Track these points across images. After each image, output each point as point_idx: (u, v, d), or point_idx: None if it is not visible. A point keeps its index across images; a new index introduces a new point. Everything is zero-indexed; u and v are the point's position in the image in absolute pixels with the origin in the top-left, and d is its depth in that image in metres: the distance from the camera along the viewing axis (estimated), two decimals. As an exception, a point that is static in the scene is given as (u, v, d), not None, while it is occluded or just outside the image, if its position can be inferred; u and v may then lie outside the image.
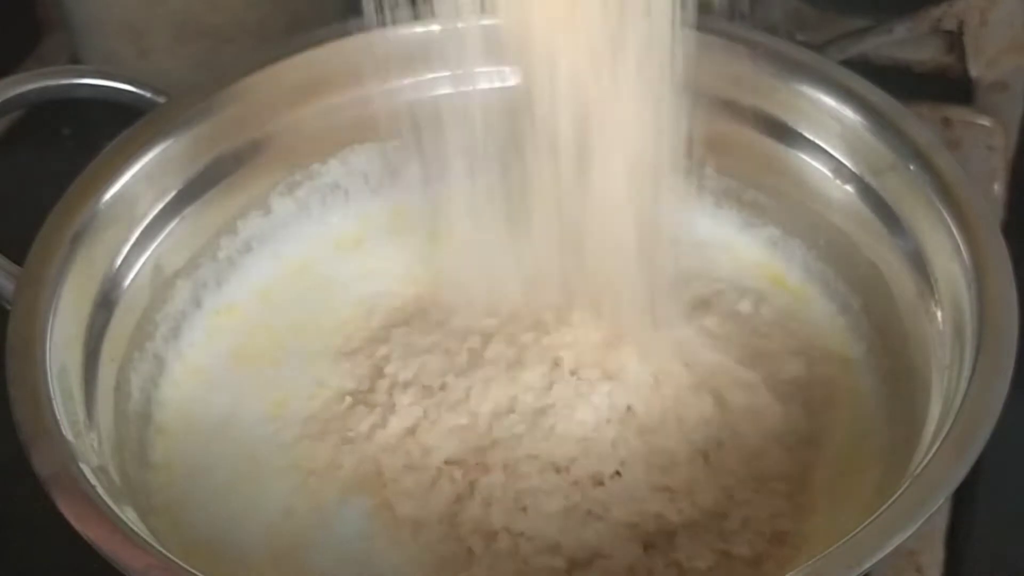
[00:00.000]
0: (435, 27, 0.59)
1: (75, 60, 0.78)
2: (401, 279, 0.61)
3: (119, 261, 0.55)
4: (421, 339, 0.56)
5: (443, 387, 0.54)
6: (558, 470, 0.51)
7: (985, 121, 0.71)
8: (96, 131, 0.59)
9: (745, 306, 0.58)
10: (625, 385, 0.53)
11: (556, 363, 0.54)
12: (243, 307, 0.60)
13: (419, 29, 0.60)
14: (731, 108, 0.60)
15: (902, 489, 0.43)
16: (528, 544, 0.50)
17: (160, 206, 0.57)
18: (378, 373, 0.56)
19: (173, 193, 0.57)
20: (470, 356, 0.55)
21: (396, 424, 0.53)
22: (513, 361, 0.54)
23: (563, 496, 0.50)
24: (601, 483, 0.51)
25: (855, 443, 0.53)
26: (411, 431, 0.53)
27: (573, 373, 0.53)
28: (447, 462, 0.52)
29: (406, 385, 0.54)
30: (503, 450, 0.52)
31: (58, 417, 0.46)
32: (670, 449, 0.52)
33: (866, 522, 0.42)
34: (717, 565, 0.49)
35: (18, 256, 0.52)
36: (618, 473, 0.51)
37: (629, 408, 0.52)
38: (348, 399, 0.55)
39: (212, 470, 0.53)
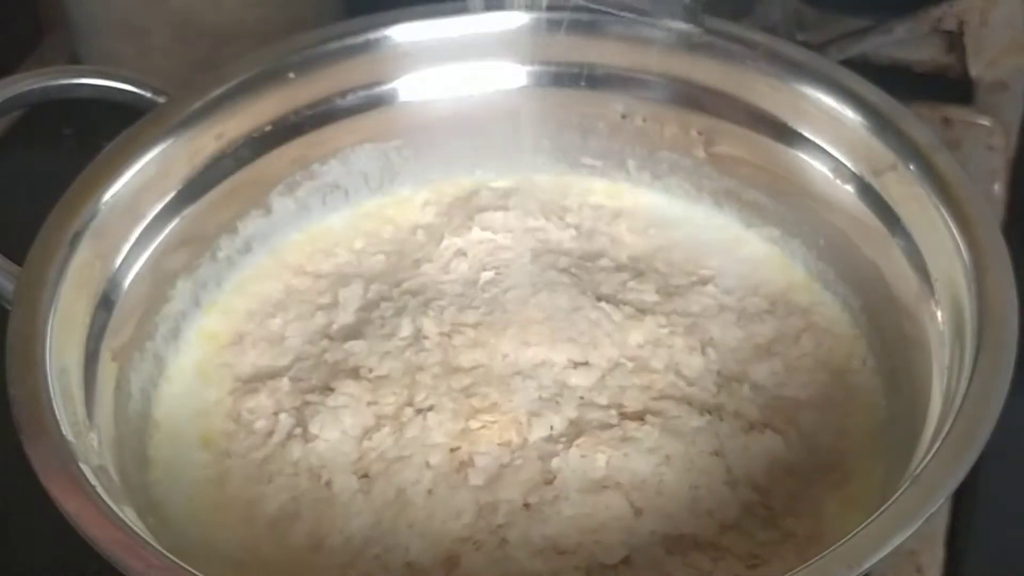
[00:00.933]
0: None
1: (75, 60, 0.78)
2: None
3: (119, 261, 0.55)
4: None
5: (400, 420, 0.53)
6: (560, 552, 0.49)
7: (985, 121, 0.71)
8: (96, 131, 0.59)
9: (742, 307, 0.58)
10: (627, 451, 0.51)
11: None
12: (242, 307, 0.60)
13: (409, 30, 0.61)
14: (732, 108, 0.60)
15: (902, 489, 0.43)
16: None
17: (160, 206, 0.57)
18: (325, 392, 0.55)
19: (173, 193, 0.57)
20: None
21: (357, 511, 0.51)
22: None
23: None
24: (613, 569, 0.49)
25: (856, 444, 0.53)
26: (372, 523, 0.50)
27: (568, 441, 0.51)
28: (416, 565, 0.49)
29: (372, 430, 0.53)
30: (488, 534, 0.50)
31: (58, 417, 0.46)
32: (684, 519, 0.50)
33: (866, 522, 0.42)
34: None
35: (18, 256, 0.52)
36: (626, 561, 0.49)
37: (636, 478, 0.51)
38: (298, 430, 0.53)
39: (201, 470, 0.53)
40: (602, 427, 0.52)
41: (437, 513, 0.50)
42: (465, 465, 0.51)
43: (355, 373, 0.55)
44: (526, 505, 0.50)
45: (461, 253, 0.60)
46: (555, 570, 0.48)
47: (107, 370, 0.52)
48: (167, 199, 0.57)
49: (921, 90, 0.72)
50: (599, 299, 0.57)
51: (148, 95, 0.58)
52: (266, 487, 0.52)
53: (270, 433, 0.54)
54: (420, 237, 0.62)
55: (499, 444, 0.52)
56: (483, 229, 0.61)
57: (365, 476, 0.52)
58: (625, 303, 0.57)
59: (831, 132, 0.57)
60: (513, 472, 0.51)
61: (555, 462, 0.51)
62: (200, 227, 0.59)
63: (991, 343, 0.46)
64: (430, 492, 0.50)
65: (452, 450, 0.52)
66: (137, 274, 0.56)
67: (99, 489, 0.44)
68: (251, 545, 0.51)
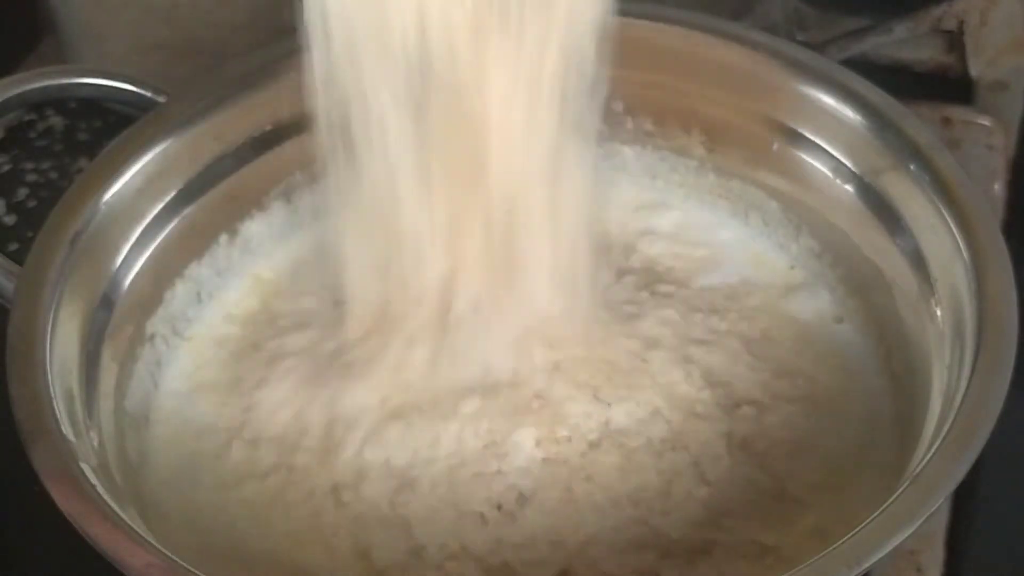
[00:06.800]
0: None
1: (75, 60, 0.78)
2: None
3: (119, 261, 0.55)
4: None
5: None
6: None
7: (985, 121, 0.71)
8: (96, 131, 0.59)
9: (744, 306, 0.58)
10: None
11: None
12: (242, 307, 0.60)
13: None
14: (731, 108, 0.60)
15: (902, 489, 0.43)
16: None
17: (160, 206, 0.57)
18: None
19: (173, 193, 0.57)
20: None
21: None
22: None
23: None
24: None
25: (856, 443, 0.53)
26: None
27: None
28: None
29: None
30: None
31: (58, 417, 0.46)
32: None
33: (866, 522, 0.42)
34: None
35: (18, 256, 0.52)
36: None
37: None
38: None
39: (200, 470, 0.53)
40: None
41: None
42: None
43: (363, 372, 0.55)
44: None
45: None
46: None
47: (107, 370, 0.52)
48: (167, 199, 0.57)
49: (921, 90, 0.72)
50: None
51: (148, 95, 0.58)
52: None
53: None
54: None
55: None
56: None
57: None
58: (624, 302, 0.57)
59: (831, 132, 0.57)
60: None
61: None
62: (200, 227, 0.59)
63: (991, 343, 0.46)
64: None
65: None
66: (137, 274, 0.56)
67: (99, 489, 0.44)
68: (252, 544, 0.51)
